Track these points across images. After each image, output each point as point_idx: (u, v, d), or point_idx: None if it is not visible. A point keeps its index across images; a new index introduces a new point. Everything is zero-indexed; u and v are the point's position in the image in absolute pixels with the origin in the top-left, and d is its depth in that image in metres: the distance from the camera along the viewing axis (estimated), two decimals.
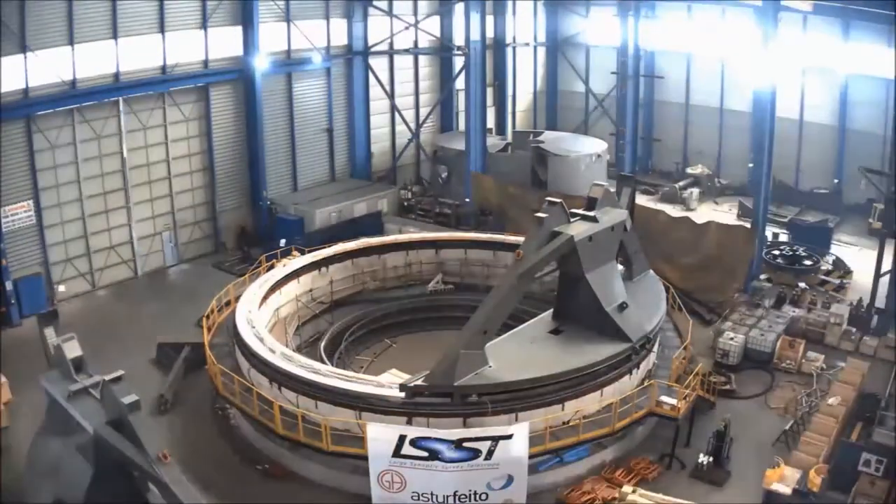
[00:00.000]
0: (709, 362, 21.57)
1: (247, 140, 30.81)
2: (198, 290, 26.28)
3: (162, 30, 27.36)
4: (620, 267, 19.76)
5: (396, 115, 36.55)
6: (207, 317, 20.71)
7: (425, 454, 15.05)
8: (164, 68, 27.75)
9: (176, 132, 28.94)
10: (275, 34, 30.92)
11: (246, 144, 30.87)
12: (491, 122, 38.85)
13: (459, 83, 35.76)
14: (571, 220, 17.78)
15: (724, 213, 34.41)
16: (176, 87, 28.33)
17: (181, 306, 25.67)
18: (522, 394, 16.24)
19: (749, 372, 21.57)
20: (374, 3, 33.86)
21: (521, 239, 20.51)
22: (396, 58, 36.36)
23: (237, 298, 20.93)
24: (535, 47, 43.08)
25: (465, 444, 15.03)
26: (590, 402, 16.92)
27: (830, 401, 19.02)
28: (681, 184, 37.40)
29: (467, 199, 32.76)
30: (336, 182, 34.69)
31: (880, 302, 23.55)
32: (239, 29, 29.61)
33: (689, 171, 39.32)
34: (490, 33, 37.36)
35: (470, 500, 15.32)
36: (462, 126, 35.94)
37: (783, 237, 31.07)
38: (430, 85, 38.47)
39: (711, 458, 17.40)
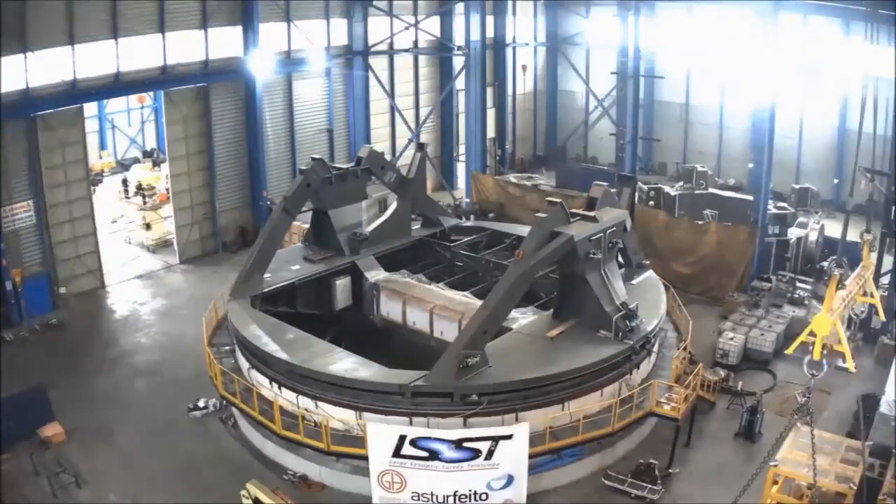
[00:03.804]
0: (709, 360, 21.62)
1: (247, 140, 30.83)
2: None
3: (162, 30, 27.37)
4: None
5: (396, 115, 36.56)
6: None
7: (425, 454, 15.03)
8: (164, 68, 27.76)
9: (175, 132, 28.95)
10: (275, 34, 30.92)
11: (246, 144, 30.89)
12: (491, 123, 38.90)
13: (459, 83, 35.76)
14: (571, 220, 17.80)
15: None
16: (176, 87, 28.34)
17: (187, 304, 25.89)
18: (522, 394, 16.26)
19: (748, 372, 21.60)
20: (374, 3, 33.86)
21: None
22: (396, 58, 36.38)
23: None
24: (535, 47, 43.09)
25: (465, 444, 15.00)
26: (590, 402, 16.94)
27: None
28: (680, 184, 37.31)
29: (467, 199, 32.79)
30: None
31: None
32: (239, 29, 29.63)
33: None
34: (490, 33, 37.37)
35: (470, 500, 15.30)
36: (462, 126, 35.96)
37: None
38: (430, 85, 38.46)
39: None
